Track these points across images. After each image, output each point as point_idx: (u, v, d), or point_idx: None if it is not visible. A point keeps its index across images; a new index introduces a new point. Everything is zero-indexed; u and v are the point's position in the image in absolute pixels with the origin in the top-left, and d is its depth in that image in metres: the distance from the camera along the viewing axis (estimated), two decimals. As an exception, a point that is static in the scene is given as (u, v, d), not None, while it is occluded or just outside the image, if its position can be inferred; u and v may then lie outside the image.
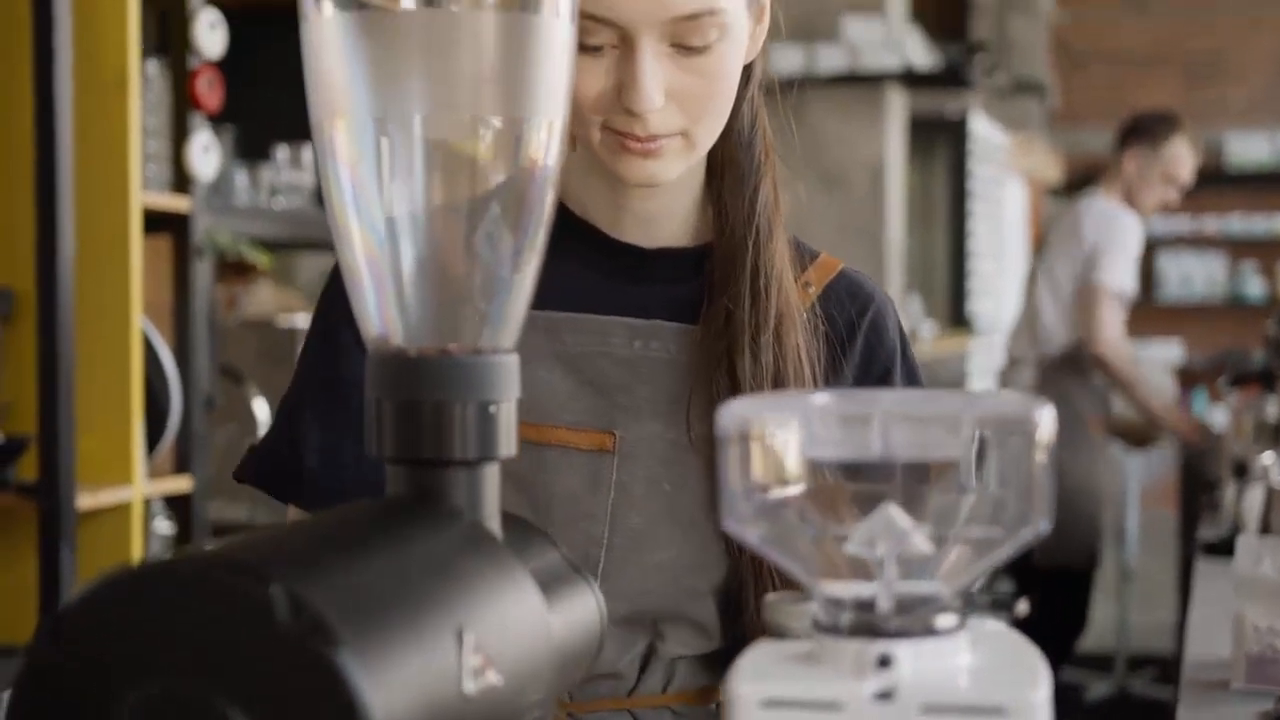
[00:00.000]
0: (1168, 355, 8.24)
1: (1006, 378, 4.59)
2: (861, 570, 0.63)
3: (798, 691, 0.61)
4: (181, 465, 2.90)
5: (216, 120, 2.99)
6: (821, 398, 0.65)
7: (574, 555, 0.73)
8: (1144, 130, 4.36)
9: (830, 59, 5.43)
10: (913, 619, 0.62)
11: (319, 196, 2.72)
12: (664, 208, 1.21)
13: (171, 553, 0.58)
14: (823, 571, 0.63)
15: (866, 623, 0.62)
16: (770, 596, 0.69)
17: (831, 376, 1.21)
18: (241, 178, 3.19)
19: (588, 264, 1.21)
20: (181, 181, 2.87)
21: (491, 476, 0.68)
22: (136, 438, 2.71)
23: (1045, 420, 0.62)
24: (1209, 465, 4.06)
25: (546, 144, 0.69)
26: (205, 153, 2.88)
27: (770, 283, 1.18)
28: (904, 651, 0.61)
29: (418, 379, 0.66)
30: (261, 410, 3.22)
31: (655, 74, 1.07)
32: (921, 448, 0.62)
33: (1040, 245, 4.78)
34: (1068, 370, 4.28)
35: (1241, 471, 2.96)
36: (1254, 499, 2.40)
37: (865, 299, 1.25)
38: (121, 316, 2.68)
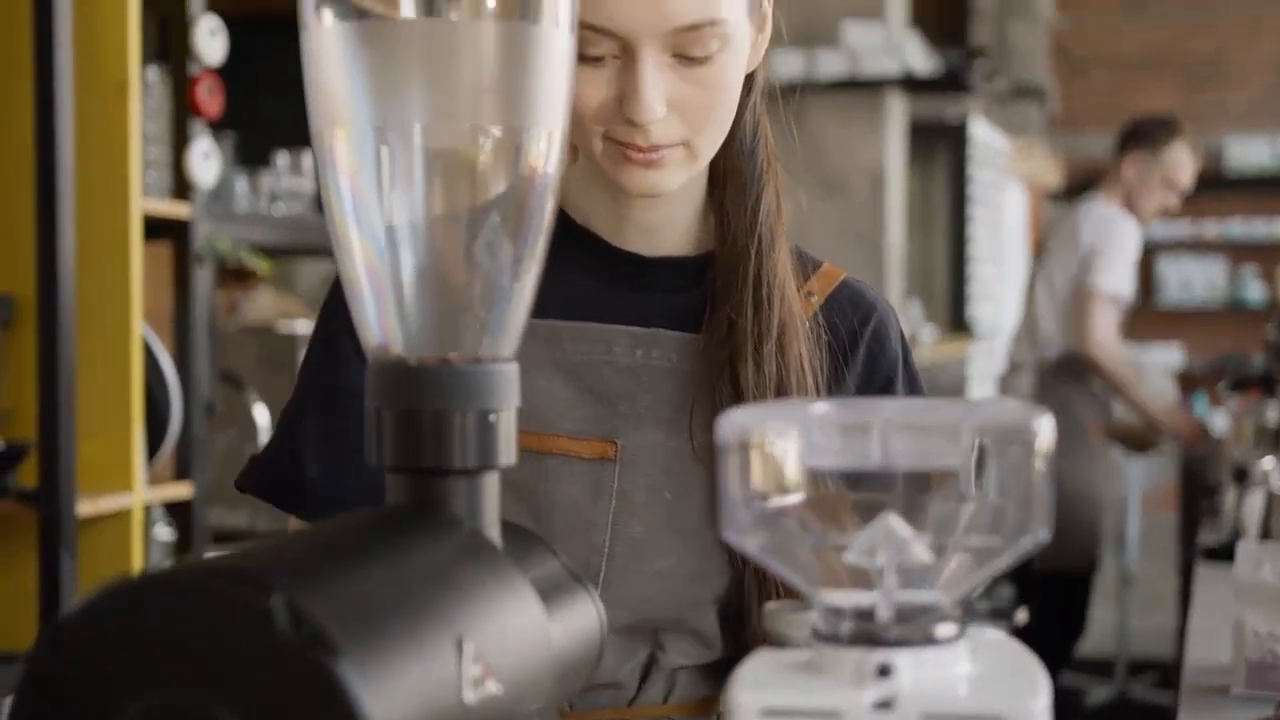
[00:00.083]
0: (1168, 359, 8.24)
1: (1007, 383, 4.59)
2: (861, 579, 0.63)
3: (798, 700, 0.61)
4: (182, 471, 2.91)
5: (217, 127, 3.00)
6: (821, 407, 0.65)
7: (575, 564, 0.73)
8: (1143, 135, 4.35)
9: (830, 64, 5.44)
10: (912, 628, 0.62)
11: (319, 202, 2.72)
12: (665, 217, 1.21)
13: (172, 562, 0.58)
14: (823, 581, 0.63)
15: (866, 632, 0.62)
16: (770, 605, 0.69)
17: (834, 386, 1.21)
18: (242, 184, 3.20)
19: (589, 272, 1.21)
20: (182, 188, 2.87)
21: (491, 485, 0.68)
22: (137, 444, 2.71)
23: (1044, 429, 0.62)
24: (1209, 470, 4.06)
25: (546, 153, 0.69)
26: (205, 159, 2.88)
27: (773, 292, 1.18)
28: (904, 660, 0.61)
29: (418, 388, 0.66)
30: (262, 416, 3.22)
31: (657, 84, 1.07)
32: (921, 457, 0.62)
33: (1040, 250, 4.78)
34: (1066, 375, 4.28)
35: (1242, 476, 2.96)
36: (1254, 504, 2.40)
37: (868, 309, 1.25)
38: (122, 323, 2.68)
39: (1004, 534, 0.63)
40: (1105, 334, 4.17)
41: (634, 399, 1.17)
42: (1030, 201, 8.70)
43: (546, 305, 1.16)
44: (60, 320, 2.49)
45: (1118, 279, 4.20)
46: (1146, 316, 9.08)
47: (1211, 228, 9.34)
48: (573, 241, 1.20)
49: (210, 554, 0.58)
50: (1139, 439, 4.64)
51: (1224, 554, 2.49)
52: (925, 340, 5.77)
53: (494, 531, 0.68)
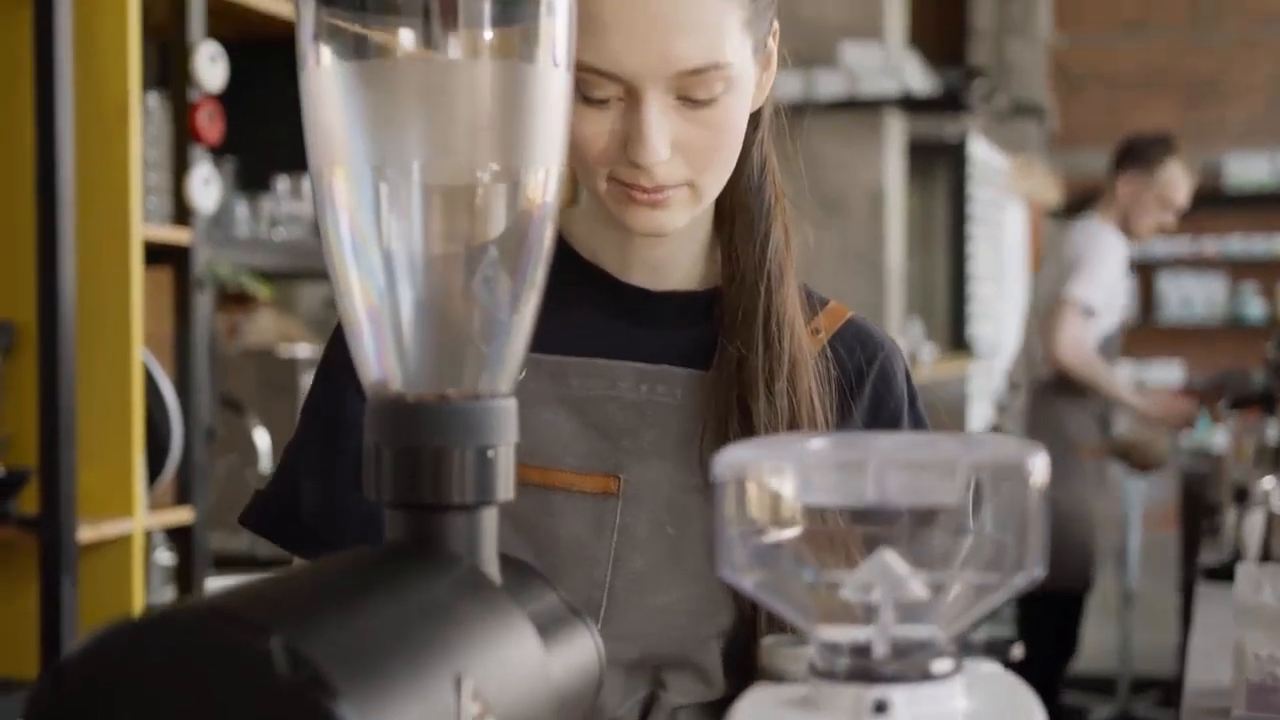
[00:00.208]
0: (1168, 376, 8.26)
1: (1005, 403, 4.59)
2: (858, 614, 0.63)
3: (795, 736, 0.62)
4: (182, 497, 2.91)
5: (217, 152, 3.00)
6: (816, 443, 0.66)
7: (576, 598, 0.74)
8: (1138, 154, 4.33)
9: (829, 85, 5.45)
10: (909, 664, 0.62)
11: (318, 227, 2.73)
12: (671, 253, 1.22)
13: (172, 603, 0.58)
14: (820, 616, 0.64)
15: (863, 668, 0.62)
16: (767, 640, 0.69)
17: (842, 422, 1.22)
18: (242, 209, 3.20)
19: (596, 307, 1.21)
20: (182, 214, 2.87)
21: (490, 520, 0.68)
22: (137, 469, 2.71)
23: (1039, 466, 0.62)
24: (1209, 489, 4.06)
25: (544, 190, 0.69)
26: (206, 185, 2.89)
27: (783, 328, 1.18)
28: (900, 696, 0.61)
29: (416, 425, 0.67)
30: (262, 440, 3.22)
31: (661, 127, 1.08)
32: (917, 493, 0.62)
33: (1039, 270, 4.78)
34: (1057, 394, 4.26)
35: (1242, 496, 2.96)
36: (1254, 524, 2.40)
37: (874, 347, 1.25)
38: (122, 348, 2.68)
39: (1000, 569, 0.63)
40: (1071, 339, 4.13)
41: (637, 434, 1.17)
42: (1030, 220, 8.71)
43: (553, 340, 1.17)
44: (61, 346, 2.49)
45: (1092, 290, 4.16)
46: (1146, 333, 9.10)
47: (1211, 245, 9.35)
48: (579, 277, 1.21)
49: (210, 592, 0.58)
50: (1140, 458, 4.62)
51: (1224, 574, 2.49)
52: (925, 359, 5.77)
53: (492, 567, 0.68)
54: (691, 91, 1.08)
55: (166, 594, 3.01)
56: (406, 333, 0.68)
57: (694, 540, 1.16)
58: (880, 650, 0.62)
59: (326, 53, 0.67)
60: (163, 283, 2.89)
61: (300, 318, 4.21)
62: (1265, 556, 2.27)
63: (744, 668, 1.17)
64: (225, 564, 3.10)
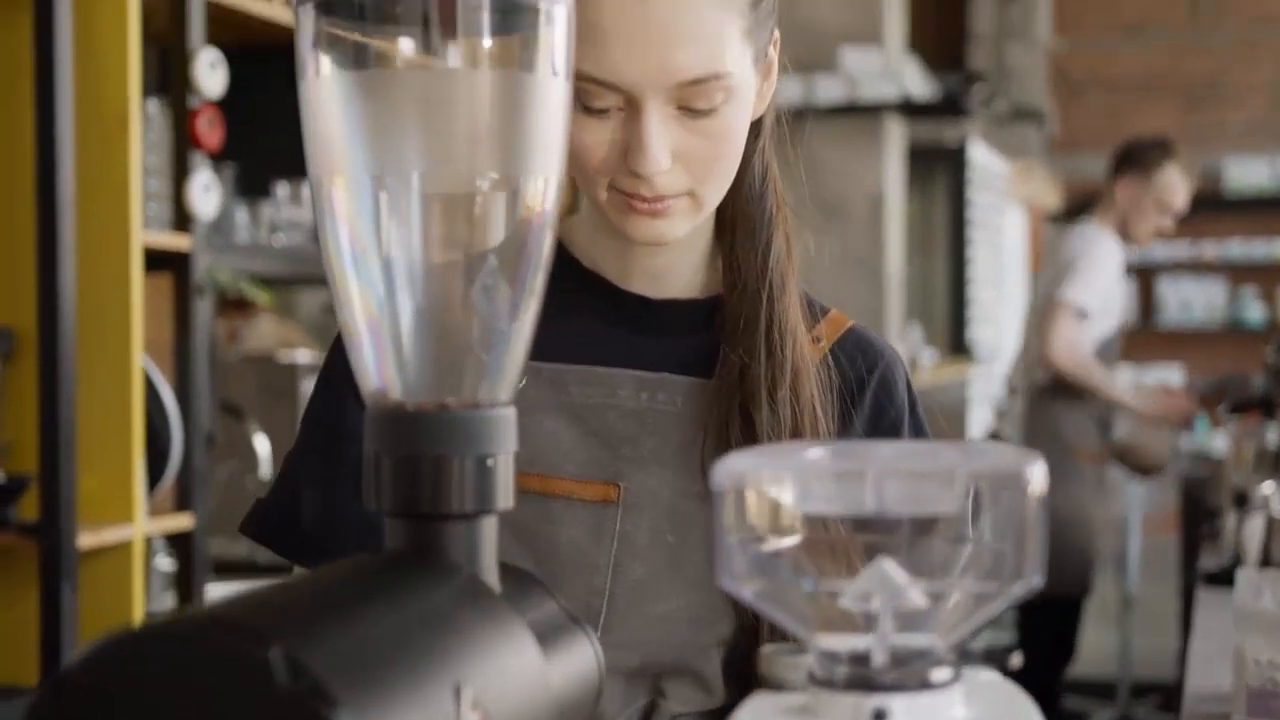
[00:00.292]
0: (1168, 380, 8.25)
1: (1004, 408, 4.59)
2: (857, 623, 0.63)
3: (795, 744, 0.62)
4: (182, 503, 2.91)
5: (217, 158, 3.00)
6: (815, 452, 0.66)
7: (575, 606, 0.74)
8: (1136, 158, 4.33)
9: (829, 90, 5.46)
10: (908, 672, 0.62)
11: (318, 235, 2.73)
12: (672, 261, 1.22)
13: (172, 612, 0.58)
14: (819, 625, 0.64)
15: (861, 676, 0.62)
16: (766, 648, 0.69)
17: (843, 431, 1.22)
18: (242, 215, 3.20)
19: (597, 315, 1.21)
20: (182, 220, 2.88)
21: (489, 529, 0.68)
22: (137, 476, 2.71)
23: (1038, 475, 0.62)
24: (1209, 494, 4.06)
25: (543, 198, 0.69)
26: (206, 191, 2.89)
27: (785, 336, 1.18)
28: (899, 705, 0.61)
29: (416, 434, 0.67)
30: (262, 446, 3.23)
31: (661, 137, 1.08)
32: (915, 503, 0.63)
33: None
34: (1055, 397, 4.26)
35: (1242, 501, 2.96)
36: (1254, 529, 2.40)
37: (875, 356, 1.25)
38: (122, 355, 2.68)
39: (999, 578, 0.63)
40: (1065, 341, 4.13)
41: (637, 442, 1.18)
42: (1030, 224, 8.72)
43: (553, 348, 1.17)
44: (61, 352, 2.49)
45: (1086, 292, 4.15)
46: (1146, 337, 9.10)
47: (1211, 248, 9.35)
48: (580, 285, 1.21)
49: (211, 600, 0.58)
50: (1139, 461, 4.62)
51: (1224, 579, 2.49)
52: (925, 363, 5.78)
53: (491, 576, 0.68)
54: (692, 101, 1.08)
55: (166, 600, 3.01)
56: (406, 341, 0.68)
57: (694, 548, 1.16)
58: (879, 659, 0.62)
59: (326, 62, 0.68)
60: (163, 289, 2.89)
61: (300, 323, 4.21)
62: (1265, 561, 2.27)
63: (744, 676, 1.17)
64: (225, 570, 3.10)
